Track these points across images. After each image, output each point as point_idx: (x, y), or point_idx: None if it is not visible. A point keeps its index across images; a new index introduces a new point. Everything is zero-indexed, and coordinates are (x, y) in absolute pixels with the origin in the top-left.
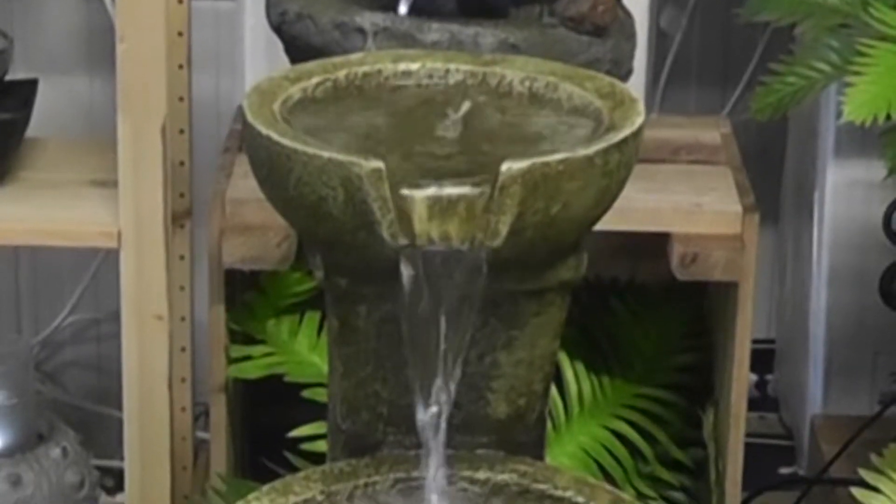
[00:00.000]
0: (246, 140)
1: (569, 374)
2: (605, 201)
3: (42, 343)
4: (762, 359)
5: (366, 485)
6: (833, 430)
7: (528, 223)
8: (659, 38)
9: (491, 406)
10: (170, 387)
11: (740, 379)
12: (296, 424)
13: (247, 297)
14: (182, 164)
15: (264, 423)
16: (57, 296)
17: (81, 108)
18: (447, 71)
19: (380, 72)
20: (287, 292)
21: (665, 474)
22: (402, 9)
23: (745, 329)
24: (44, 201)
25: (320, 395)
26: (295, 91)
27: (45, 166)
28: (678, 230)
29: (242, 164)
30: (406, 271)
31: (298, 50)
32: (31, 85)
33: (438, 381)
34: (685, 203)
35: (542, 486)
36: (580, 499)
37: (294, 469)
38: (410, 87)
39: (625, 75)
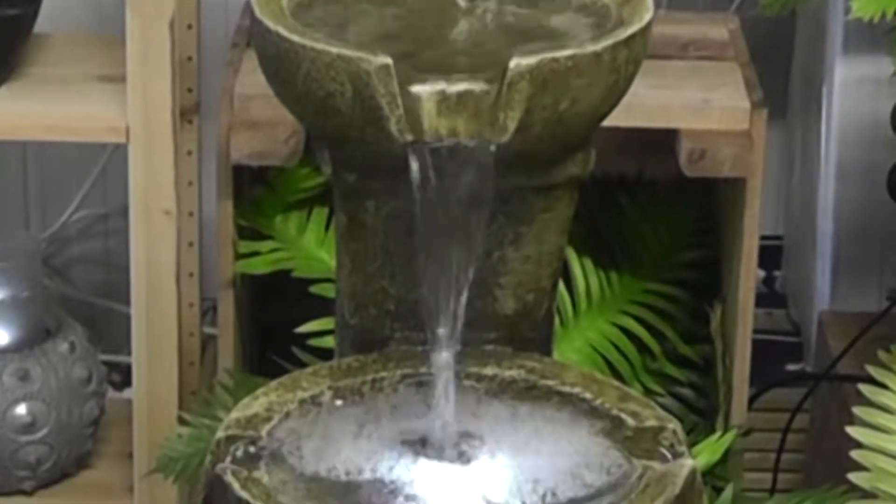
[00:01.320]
0: (254, 36)
1: (577, 270)
2: (613, 97)
3: (50, 238)
4: (770, 255)
5: (373, 380)
6: (841, 326)
7: (536, 119)
8: None
9: (499, 302)
10: (177, 282)
11: (748, 275)
12: (303, 320)
13: (255, 192)
14: (190, 59)
15: (272, 319)
16: (65, 191)
17: (90, 3)
18: None
19: None
20: (295, 188)
21: (672, 370)
22: None
23: (753, 225)
24: (52, 97)
25: (328, 290)
26: None
27: (52, 62)
28: (686, 126)
29: (251, 60)
30: (414, 167)
31: None
32: None
33: (447, 278)
34: (693, 99)
35: (549, 383)
36: (588, 395)
37: (302, 365)
38: None
39: None
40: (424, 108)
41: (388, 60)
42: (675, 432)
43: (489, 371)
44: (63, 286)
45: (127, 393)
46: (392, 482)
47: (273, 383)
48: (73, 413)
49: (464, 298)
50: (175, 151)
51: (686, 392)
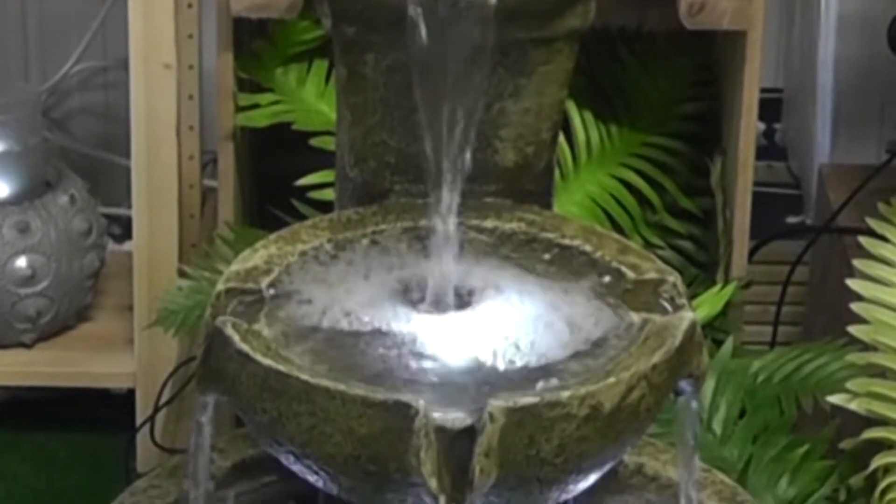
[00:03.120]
0: None
1: (577, 122)
2: None
3: (50, 90)
4: (770, 107)
5: (373, 233)
6: (841, 178)
7: None
8: None
9: (499, 154)
10: (178, 135)
11: (748, 128)
12: (303, 173)
13: (255, 45)
14: None
15: (272, 172)
16: (64, 43)
17: None
18: None
19: None
20: (295, 40)
21: (673, 223)
22: None
23: (753, 78)
24: None
25: (328, 143)
26: None
27: None
28: None
29: None
30: (414, 18)
31: None
32: None
33: (447, 129)
34: None
35: (549, 235)
36: (588, 247)
37: (301, 217)
38: None
39: None
40: None
41: None
42: (675, 285)
43: (489, 224)
44: (63, 139)
45: (127, 246)
46: (392, 333)
47: (273, 236)
48: (73, 265)
49: (464, 151)
50: (175, 3)
51: (686, 245)
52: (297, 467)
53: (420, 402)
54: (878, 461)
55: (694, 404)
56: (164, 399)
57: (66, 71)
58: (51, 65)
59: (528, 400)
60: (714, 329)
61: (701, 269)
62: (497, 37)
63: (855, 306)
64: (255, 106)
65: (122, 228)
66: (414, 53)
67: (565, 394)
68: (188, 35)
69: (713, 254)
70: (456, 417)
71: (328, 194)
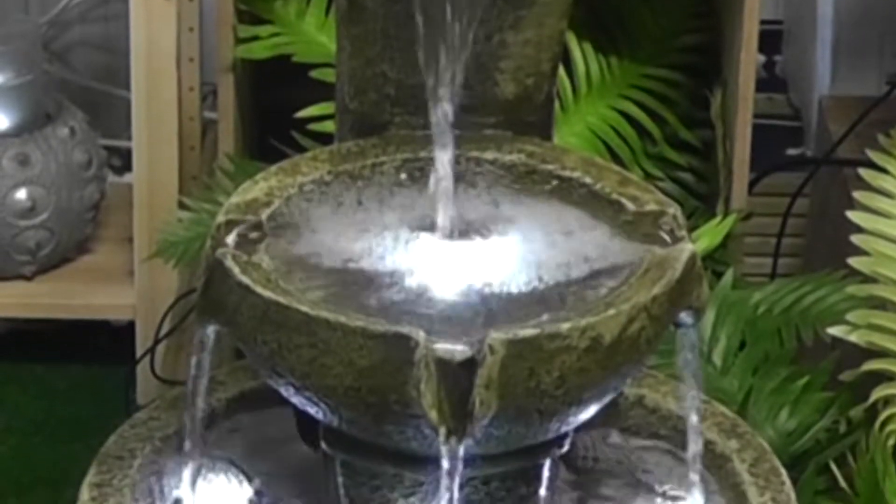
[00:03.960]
0: None
1: (577, 54)
2: None
3: (50, 23)
4: (770, 39)
5: (373, 165)
6: (841, 110)
7: None
8: None
9: (499, 86)
10: (178, 66)
11: (748, 59)
12: (303, 105)
13: None
14: None
15: (272, 104)
16: None
17: None
18: None
19: None
20: None
21: (673, 155)
22: None
23: (753, 9)
24: None
25: (328, 75)
26: None
27: None
28: None
29: None
30: None
31: None
32: None
33: (447, 60)
34: None
35: (549, 167)
36: (588, 179)
37: (301, 149)
38: None
39: None
40: None
41: None
42: (675, 217)
43: (489, 155)
44: (63, 71)
45: (127, 178)
46: (392, 264)
47: (273, 168)
48: (73, 197)
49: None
50: None
51: (686, 176)
52: (297, 399)
53: (420, 334)
54: (878, 393)
55: (694, 336)
56: (164, 331)
57: (66, 3)
58: None
59: (528, 332)
60: (714, 261)
61: (701, 201)
62: None
63: (855, 238)
64: (255, 38)
65: (123, 160)
66: None
67: (565, 325)
68: None
69: (713, 186)
70: (456, 349)
71: (328, 126)
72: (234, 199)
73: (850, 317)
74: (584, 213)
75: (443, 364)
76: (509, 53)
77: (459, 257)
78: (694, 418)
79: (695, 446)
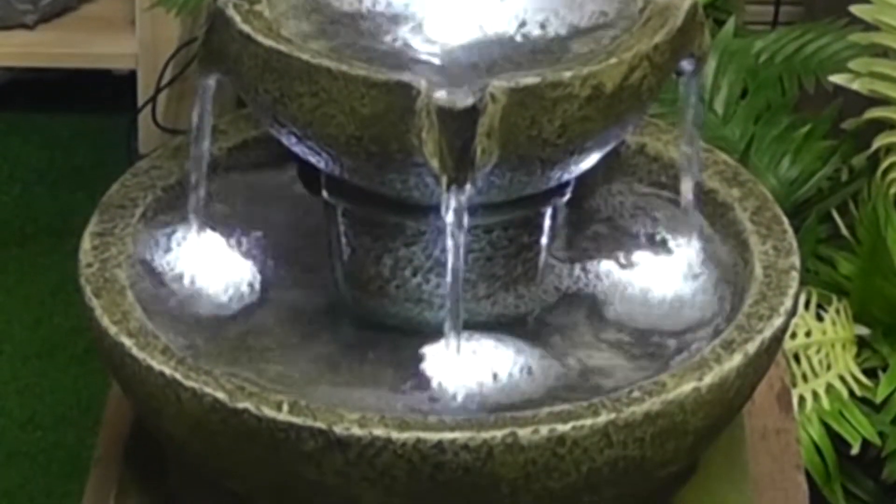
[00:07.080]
0: None
1: None
2: None
3: None
4: None
5: None
6: None
7: None
8: None
9: None
10: None
11: None
12: None
13: None
14: None
15: None
16: None
17: None
18: None
19: None
20: None
21: None
22: None
23: None
24: None
25: None
26: None
27: None
28: None
29: None
30: None
31: None
32: None
33: None
34: None
35: None
36: None
37: None
38: None
39: None
40: None
41: None
42: None
43: None
44: None
45: None
46: (395, 13)
47: None
48: None
49: None
50: None
51: None
52: (299, 148)
53: (422, 83)
54: (880, 141)
55: (696, 84)
56: (165, 80)
57: None
58: None
59: (529, 80)
60: (716, 9)
61: None
62: None
63: None
64: None
65: None
66: None
67: (567, 74)
68: None
69: None
70: (457, 98)
71: None
72: None
73: (852, 65)
74: None
75: (444, 112)
76: None
77: (462, 5)
78: (691, 165)
79: (689, 190)
